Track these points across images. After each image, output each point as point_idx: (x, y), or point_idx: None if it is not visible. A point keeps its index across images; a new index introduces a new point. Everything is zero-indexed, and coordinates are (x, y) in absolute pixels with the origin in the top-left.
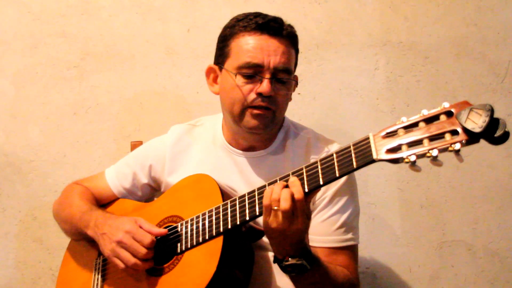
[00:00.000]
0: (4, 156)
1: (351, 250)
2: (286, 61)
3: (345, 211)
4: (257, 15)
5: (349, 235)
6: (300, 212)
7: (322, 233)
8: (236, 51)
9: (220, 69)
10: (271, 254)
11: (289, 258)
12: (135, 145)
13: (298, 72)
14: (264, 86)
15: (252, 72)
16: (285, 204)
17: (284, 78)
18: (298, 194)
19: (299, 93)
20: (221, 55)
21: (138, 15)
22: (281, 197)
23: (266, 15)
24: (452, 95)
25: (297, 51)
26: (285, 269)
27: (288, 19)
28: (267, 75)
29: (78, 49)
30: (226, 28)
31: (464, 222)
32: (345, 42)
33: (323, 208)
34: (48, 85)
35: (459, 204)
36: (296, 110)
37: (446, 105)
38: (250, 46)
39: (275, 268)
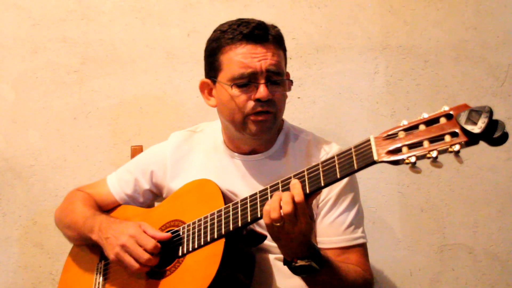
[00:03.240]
0: (4, 161)
1: (362, 248)
2: (277, 63)
3: (351, 211)
4: (240, 23)
5: (358, 233)
6: (302, 213)
7: (331, 234)
8: (228, 64)
9: (214, 82)
10: (272, 257)
11: (298, 260)
12: (135, 149)
13: (297, 76)
14: (262, 91)
15: (247, 80)
16: (287, 207)
17: (278, 79)
18: (298, 197)
19: (298, 97)
20: (213, 69)
21: (138, 19)
22: (282, 201)
23: (248, 22)
24: (452, 98)
25: (284, 50)
26: (294, 271)
27: (287, 23)
28: (262, 80)
29: (78, 54)
30: (212, 41)
31: (465, 225)
32: (345, 46)
33: (328, 211)
34: (48, 90)
35: (460, 208)
36: (296, 114)
37: (446, 108)
38: (241, 57)
39: (276, 270)
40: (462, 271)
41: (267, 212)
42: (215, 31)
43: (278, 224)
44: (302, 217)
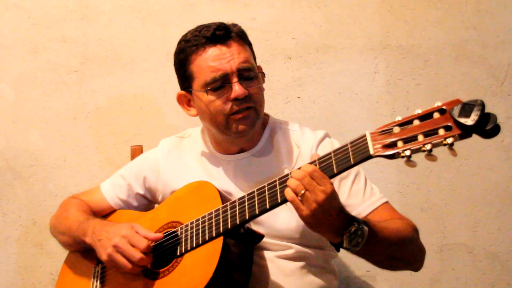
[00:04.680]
0: (4, 161)
1: (387, 204)
2: (246, 59)
3: (359, 180)
4: (201, 29)
5: (377, 195)
6: (316, 177)
7: (354, 206)
8: (198, 71)
9: (190, 92)
10: (271, 255)
11: (346, 232)
12: (135, 149)
13: (297, 75)
14: (237, 89)
15: (220, 83)
16: (298, 174)
17: (250, 74)
18: (308, 167)
19: (298, 97)
20: (186, 80)
21: (137, 19)
22: (295, 176)
23: (208, 26)
24: (451, 98)
25: (250, 45)
26: (350, 243)
27: (287, 23)
28: (235, 79)
29: (78, 54)
30: (178, 53)
31: (465, 225)
32: (345, 46)
33: (338, 190)
34: (48, 89)
35: (459, 207)
36: (295, 114)
37: (438, 103)
38: (209, 61)
39: (275, 268)
40: (462, 271)
41: (286, 191)
42: (179, 42)
43: (302, 191)
44: (324, 179)
